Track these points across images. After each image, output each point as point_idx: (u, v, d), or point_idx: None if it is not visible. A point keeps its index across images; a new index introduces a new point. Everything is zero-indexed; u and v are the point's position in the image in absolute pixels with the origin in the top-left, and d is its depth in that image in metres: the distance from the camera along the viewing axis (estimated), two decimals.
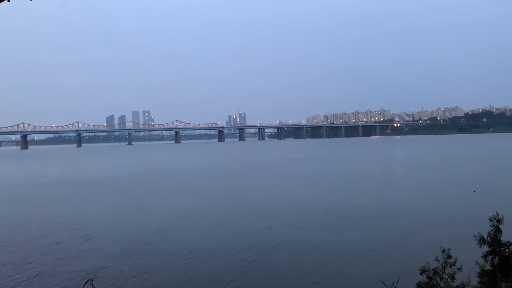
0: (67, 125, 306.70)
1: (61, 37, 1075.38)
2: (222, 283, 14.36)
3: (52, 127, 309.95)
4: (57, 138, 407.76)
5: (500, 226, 5.84)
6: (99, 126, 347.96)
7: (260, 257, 17.10)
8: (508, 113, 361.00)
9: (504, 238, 5.82)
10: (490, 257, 5.81)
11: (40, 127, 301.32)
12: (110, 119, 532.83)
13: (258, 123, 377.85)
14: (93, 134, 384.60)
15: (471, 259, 6.04)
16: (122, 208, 30.90)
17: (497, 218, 5.82)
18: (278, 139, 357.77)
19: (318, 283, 14.09)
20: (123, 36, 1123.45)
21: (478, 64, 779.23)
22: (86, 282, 4.95)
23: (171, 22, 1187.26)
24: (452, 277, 6.16)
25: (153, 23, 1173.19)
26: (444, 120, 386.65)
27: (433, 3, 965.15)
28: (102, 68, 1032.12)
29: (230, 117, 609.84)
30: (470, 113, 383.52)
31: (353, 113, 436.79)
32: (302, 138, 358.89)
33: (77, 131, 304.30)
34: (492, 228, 5.85)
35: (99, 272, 15.01)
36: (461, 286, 6.07)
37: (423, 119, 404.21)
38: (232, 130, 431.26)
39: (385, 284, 6.64)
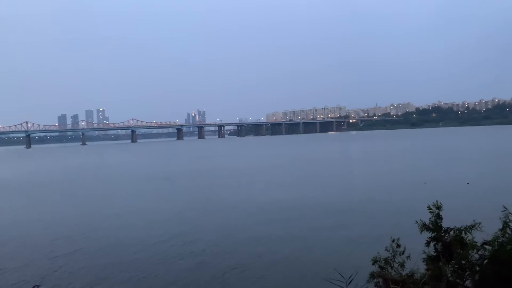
0: (15, 125, 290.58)
1: (9, 30, 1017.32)
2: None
3: None
4: (4, 139, 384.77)
5: (441, 213, 6.20)
6: (51, 126, 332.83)
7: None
8: (455, 108, 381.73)
9: (445, 224, 6.17)
10: (433, 243, 6.15)
11: None
12: (62, 118, 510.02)
13: (217, 120, 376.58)
14: (44, 134, 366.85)
15: (419, 248, 6.34)
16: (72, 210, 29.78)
17: (436, 205, 6.17)
18: (238, 136, 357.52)
19: (274, 274, 14.30)
20: (75, 32, 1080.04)
21: (428, 61, 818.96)
22: None
23: (124, 15, 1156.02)
24: (402, 265, 6.47)
25: (107, 17, 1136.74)
26: (397, 115, 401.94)
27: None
28: (54, 65, 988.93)
29: (189, 115, 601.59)
30: (421, 108, 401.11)
31: (310, 110, 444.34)
32: (262, 135, 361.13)
33: (26, 131, 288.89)
34: (432, 215, 6.15)
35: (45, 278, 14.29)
36: (410, 273, 6.38)
37: (377, 115, 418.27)
38: (191, 128, 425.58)
39: (342, 276, 6.81)
